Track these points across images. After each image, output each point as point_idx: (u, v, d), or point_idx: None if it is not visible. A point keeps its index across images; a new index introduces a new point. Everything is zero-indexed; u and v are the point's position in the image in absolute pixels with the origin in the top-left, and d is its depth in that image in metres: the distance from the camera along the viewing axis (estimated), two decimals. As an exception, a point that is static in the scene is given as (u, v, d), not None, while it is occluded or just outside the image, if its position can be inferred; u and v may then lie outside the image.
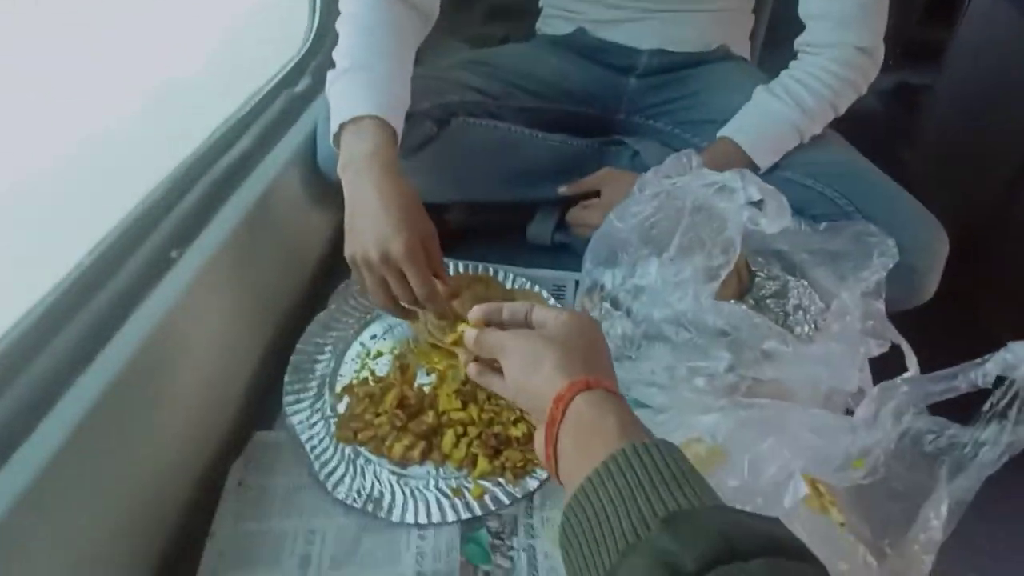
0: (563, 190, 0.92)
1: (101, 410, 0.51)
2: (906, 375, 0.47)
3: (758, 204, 0.59)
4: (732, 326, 0.57)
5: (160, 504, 0.62)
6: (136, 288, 0.61)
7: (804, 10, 0.86)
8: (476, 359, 0.52)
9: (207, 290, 0.66)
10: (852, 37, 0.82)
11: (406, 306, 0.69)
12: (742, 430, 0.50)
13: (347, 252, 0.66)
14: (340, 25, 0.77)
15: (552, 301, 0.87)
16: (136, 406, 0.57)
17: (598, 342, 0.46)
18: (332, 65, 0.75)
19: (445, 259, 0.92)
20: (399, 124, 0.70)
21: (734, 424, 0.51)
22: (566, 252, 0.96)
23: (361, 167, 0.65)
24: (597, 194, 0.90)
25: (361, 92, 0.69)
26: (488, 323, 0.52)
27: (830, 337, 0.59)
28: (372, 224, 0.63)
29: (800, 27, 0.88)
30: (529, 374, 0.43)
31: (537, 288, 0.88)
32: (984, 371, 0.42)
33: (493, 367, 0.51)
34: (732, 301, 0.63)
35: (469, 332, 0.51)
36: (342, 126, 0.69)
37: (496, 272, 0.91)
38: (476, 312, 0.52)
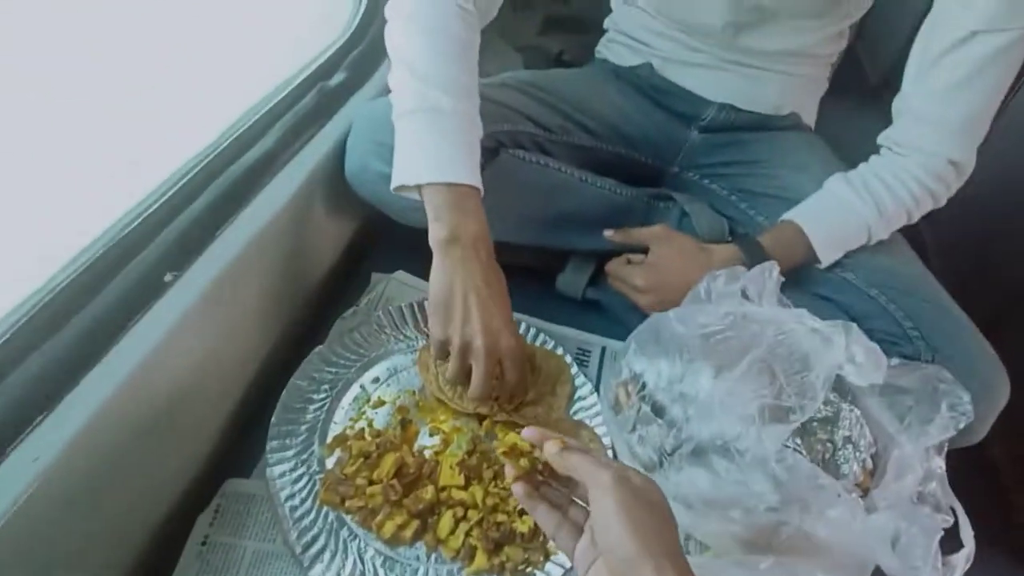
0: (609, 234, 0.84)
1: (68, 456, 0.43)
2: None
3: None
4: (793, 479, 0.51)
5: (117, 552, 0.54)
6: (121, 314, 0.52)
7: (903, 105, 0.78)
8: (528, 480, 0.48)
9: (200, 319, 0.57)
10: (949, 149, 0.75)
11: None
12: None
13: (441, 333, 0.63)
14: (396, 22, 0.68)
15: (575, 369, 0.79)
16: (99, 458, 0.48)
17: (676, 527, 0.42)
18: (378, 58, 0.66)
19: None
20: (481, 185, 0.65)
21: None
22: (595, 311, 0.88)
23: (469, 250, 0.62)
24: (645, 251, 0.82)
25: (457, 147, 0.64)
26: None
27: (892, 502, 0.54)
28: (482, 314, 0.61)
29: (852, 80, 0.80)
30: (638, 544, 0.39)
31: (560, 350, 0.81)
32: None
33: (539, 488, 0.47)
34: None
35: (551, 447, 0.45)
36: (447, 185, 0.62)
37: (518, 323, 0.83)
38: (532, 435, 0.47)
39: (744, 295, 0.57)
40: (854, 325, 0.51)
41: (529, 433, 0.47)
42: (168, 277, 0.56)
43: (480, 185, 0.63)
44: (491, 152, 0.77)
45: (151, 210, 0.58)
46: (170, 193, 0.60)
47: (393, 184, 0.64)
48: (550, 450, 0.45)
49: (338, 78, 0.81)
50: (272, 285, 0.70)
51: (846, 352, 0.48)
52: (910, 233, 0.84)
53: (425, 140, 0.63)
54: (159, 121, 0.67)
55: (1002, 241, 1.38)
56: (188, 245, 0.59)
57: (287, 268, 0.71)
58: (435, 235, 0.62)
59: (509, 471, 0.48)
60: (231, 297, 0.61)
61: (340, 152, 0.75)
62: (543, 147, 0.84)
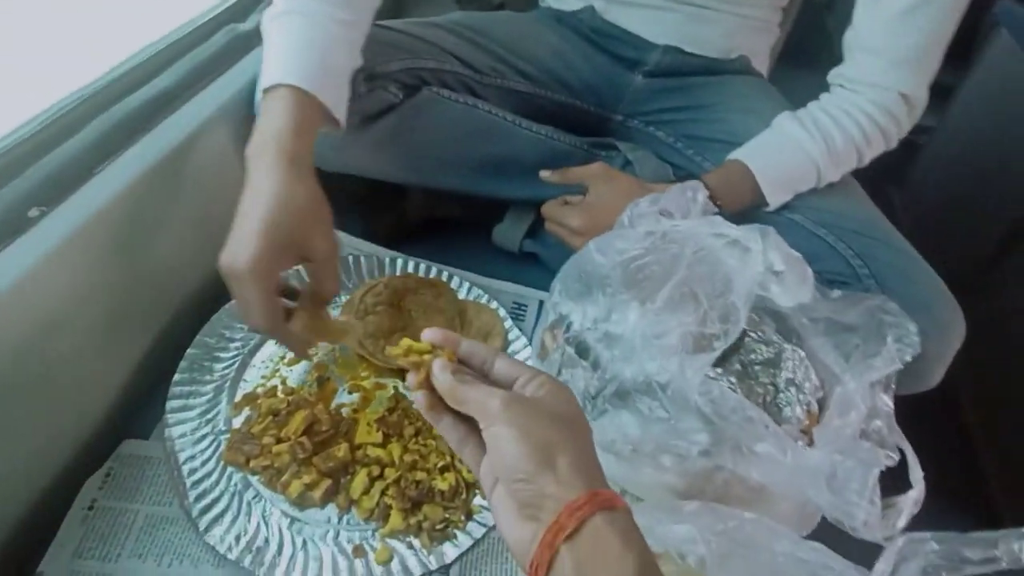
0: (546, 175, 0.79)
1: None
2: (934, 534, 0.37)
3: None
4: (719, 415, 0.46)
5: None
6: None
7: (852, 40, 0.74)
8: (430, 387, 0.41)
9: (73, 260, 0.52)
10: (899, 81, 0.71)
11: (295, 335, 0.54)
12: (722, 559, 0.40)
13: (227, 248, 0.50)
14: None
15: (509, 323, 0.74)
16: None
17: (589, 431, 0.38)
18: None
19: (396, 254, 0.79)
20: (334, 95, 0.56)
21: (711, 544, 0.41)
22: (534, 265, 0.84)
23: (265, 155, 0.50)
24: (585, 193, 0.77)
25: (291, 49, 0.55)
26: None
27: (831, 439, 0.49)
28: (239, 228, 0.49)
29: (822, 51, 0.76)
30: (535, 461, 0.35)
31: (495, 304, 0.76)
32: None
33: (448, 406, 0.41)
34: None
35: (440, 367, 0.40)
36: (265, 92, 0.54)
37: (451, 278, 0.78)
38: (434, 335, 0.42)
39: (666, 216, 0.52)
40: (771, 229, 0.47)
41: (430, 335, 0.42)
42: (34, 212, 0.50)
43: (308, 85, 0.53)
44: (412, 88, 0.72)
45: (20, 140, 0.52)
46: (45, 124, 0.55)
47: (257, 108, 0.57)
48: (442, 381, 0.40)
49: (252, 21, 0.75)
50: (175, 233, 0.65)
51: (764, 259, 0.44)
52: (880, 198, 0.80)
53: (267, 53, 0.56)
54: (52, 50, 0.62)
55: (973, 199, 1.35)
56: (61, 180, 0.53)
57: (190, 216, 0.66)
58: (247, 150, 0.52)
59: (411, 378, 0.42)
60: (115, 240, 0.56)
61: (250, 95, 0.70)
62: (473, 89, 0.79)
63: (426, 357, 0.41)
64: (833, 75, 0.77)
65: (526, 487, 0.35)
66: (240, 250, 0.48)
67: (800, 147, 0.74)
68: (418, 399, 0.42)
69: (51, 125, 0.55)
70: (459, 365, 0.41)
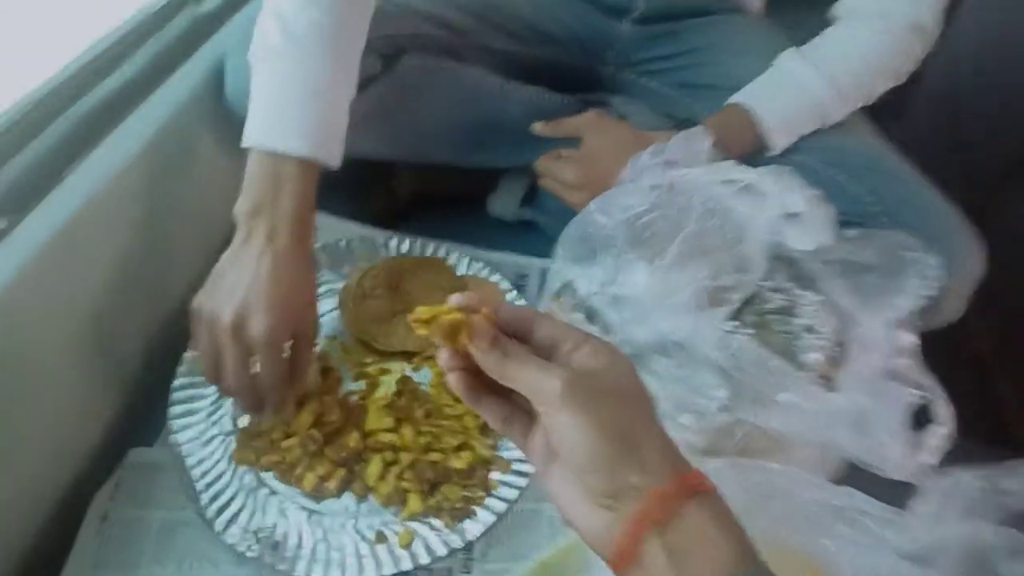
0: (538, 127, 0.75)
1: None
2: (974, 470, 0.35)
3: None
4: (739, 368, 0.44)
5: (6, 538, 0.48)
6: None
7: None
8: (466, 364, 0.35)
9: (53, 268, 0.50)
10: (909, 8, 0.67)
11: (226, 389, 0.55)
12: (753, 514, 0.38)
13: (198, 300, 0.53)
14: None
15: (512, 295, 0.72)
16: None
17: (653, 403, 0.34)
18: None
19: (390, 233, 0.77)
20: (338, 150, 0.56)
21: (739, 501, 0.39)
22: (533, 233, 0.81)
23: (262, 233, 0.52)
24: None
25: (294, 105, 0.53)
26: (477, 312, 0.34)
27: (855, 382, 0.47)
28: (247, 291, 0.51)
29: None
30: (613, 453, 0.31)
31: (496, 278, 0.74)
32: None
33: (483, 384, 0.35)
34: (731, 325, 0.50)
35: (482, 337, 0.33)
36: (267, 153, 0.53)
37: (448, 253, 0.75)
38: (469, 298, 0.34)
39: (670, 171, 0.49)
40: (787, 170, 0.44)
41: (460, 299, 0.34)
42: (1, 223, 0.48)
43: (314, 152, 0.53)
44: (390, 59, 0.68)
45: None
46: (4, 129, 0.52)
47: (229, 88, 0.57)
48: (488, 358, 0.33)
49: (211, 2, 0.72)
50: (156, 231, 0.62)
51: (781, 203, 0.41)
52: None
53: (258, 92, 0.54)
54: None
55: (974, 129, 1.31)
56: (28, 187, 0.51)
57: (170, 212, 0.64)
58: (238, 207, 0.53)
59: (443, 355, 0.35)
60: (92, 245, 0.54)
61: (218, 79, 0.67)
62: (454, 53, 0.75)
63: (454, 317, 0.33)
64: (838, 7, 0.73)
65: (605, 478, 0.31)
66: (256, 313, 0.50)
67: (804, 87, 0.70)
68: (451, 380, 0.35)
69: (11, 129, 0.52)
70: (499, 332, 0.34)
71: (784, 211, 0.42)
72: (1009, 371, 1.08)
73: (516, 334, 0.34)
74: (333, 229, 0.76)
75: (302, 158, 0.52)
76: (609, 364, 0.33)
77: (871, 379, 0.49)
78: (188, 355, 0.63)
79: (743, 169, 0.44)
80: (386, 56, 0.68)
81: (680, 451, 0.33)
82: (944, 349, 0.60)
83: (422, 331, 0.34)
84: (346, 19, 0.56)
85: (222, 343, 0.51)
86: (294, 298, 0.53)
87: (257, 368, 0.52)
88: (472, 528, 0.56)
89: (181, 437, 0.58)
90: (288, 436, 0.58)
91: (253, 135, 0.53)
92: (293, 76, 0.53)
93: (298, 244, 0.53)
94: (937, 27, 0.69)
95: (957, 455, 0.48)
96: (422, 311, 0.33)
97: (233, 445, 0.59)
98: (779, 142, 0.71)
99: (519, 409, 0.36)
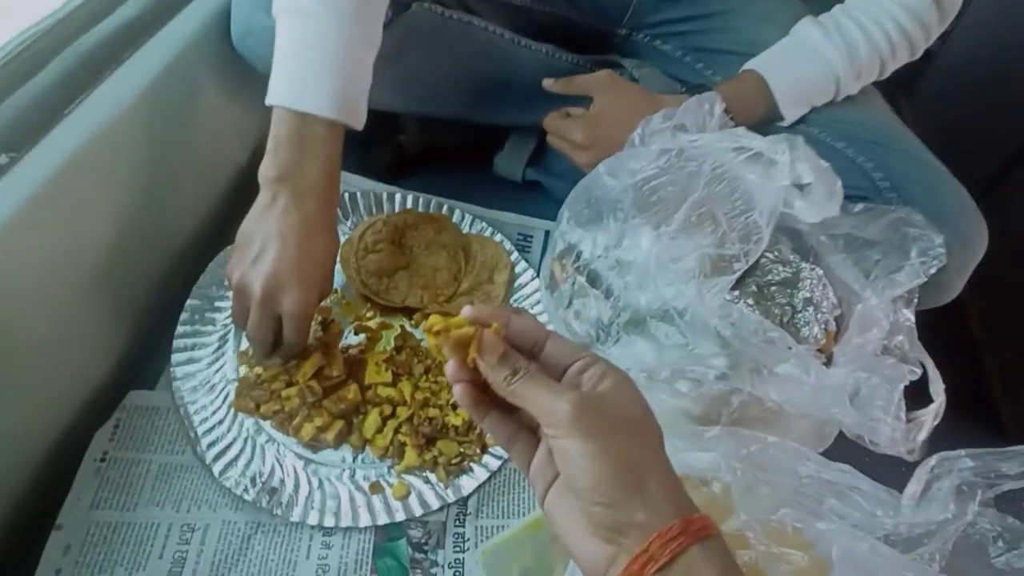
0: (549, 83, 0.73)
1: None
2: (968, 451, 0.35)
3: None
4: (740, 337, 0.44)
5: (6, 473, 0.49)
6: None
7: None
8: (473, 377, 0.34)
9: (55, 206, 0.49)
10: None
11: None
12: (748, 487, 0.39)
13: (231, 269, 0.55)
14: None
15: (515, 255, 0.72)
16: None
17: (661, 435, 0.33)
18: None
19: (395, 188, 0.76)
20: (360, 115, 0.56)
21: (736, 472, 0.40)
22: (539, 193, 0.80)
23: (292, 198, 0.53)
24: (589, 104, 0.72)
25: (324, 66, 0.52)
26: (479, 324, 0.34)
27: (853, 357, 0.48)
28: (277, 262, 0.52)
29: None
30: (620, 485, 0.30)
31: (499, 237, 0.73)
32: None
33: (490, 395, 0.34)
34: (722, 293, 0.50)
35: (490, 352, 0.33)
36: (298, 112, 0.52)
37: (452, 211, 0.75)
38: (478, 312, 0.34)
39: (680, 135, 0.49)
40: (800, 139, 0.43)
41: (471, 312, 0.34)
42: (2, 159, 0.47)
43: (346, 118, 0.53)
44: (402, 5, 0.66)
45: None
46: (4, 62, 0.50)
47: (235, 28, 0.57)
48: (497, 375, 0.33)
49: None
50: (158, 174, 0.61)
51: (791, 172, 0.41)
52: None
53: (285, 50, 0.53)
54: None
55: (985, 110, 1.29)
56: (29, 123, 0.50)
57: (172, 155, 0.63)
58: (263, 170, 0.53)
59: (450, 366, 0.34)
60: (94, 185, 0.53)
61: (224, 21, 0.65)
62: (465, 4, 0.73)
63: (464, 330, 0.33)
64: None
65: (609, 512, 0.30)
66: (289, 288, 0.52)
67: (821, 57, 0.69)
68: (457, 392, 0.35)
69: (11, 62, 0.51)
70: (509, 348, 0.33)
71: (793, 181, 0.41)
72: (999, 356, 1.09)
73: (525, 349, 0.34)
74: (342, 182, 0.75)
75: (330, 120, 0.52)
76: (619, 389, 0.32)
77: (868, 355, 0.49)
78: (190, 302, 0.63)
79: (754, 136, 0.44)
80: (398, 3, 0.66)
81: (684, 489, 0.32)
82: (939, 332, 0.60)
83: (433, 341, 0.33)
84: None
85: (254, 311, 0.53)
86: (321, 268, 0.55)
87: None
88: (467, 484, 0.57)
89: (183, 385, 0.59)
90: (288, 386, 0.59)
91: (280, 94, 0.52)
92: (323, 36, 0.52)
93: (324, 209, 0.54)
94: (955, 6, 0.68)
95: (950, 437, 0.48)
96: (434, 322, 0.33)
97: (231, 395, 0.59)
98: (791, 112, 0.70)
99: (524, 427, 0.35)
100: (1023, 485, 0.34)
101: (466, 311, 0.34)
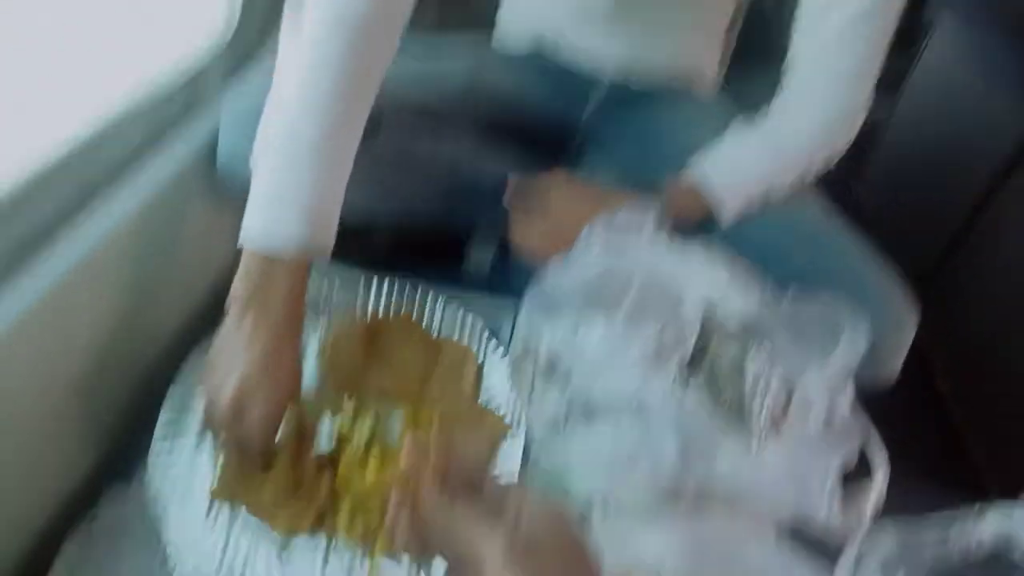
0: (509, 200, 0.80)
1: None
2: (893, 523, 0.39)
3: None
4: (685, 424, 0.48)
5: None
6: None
7: (794, 57, 0.77)
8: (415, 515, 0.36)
9: (43, 328, 0.53)
10: (842, 99, 0.75)
11: None
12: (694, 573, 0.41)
13: (204, 384, 0.58)
14: (290, 43, 0.62)
15: (489, 343, 0.76)
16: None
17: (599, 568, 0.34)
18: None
19: (370, 276, 0.80)
20: (327, 241, 0.60)
21: (686, 556, 0.42)
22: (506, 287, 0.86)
23: (261, 322, 0.57)
24: None
25: (293, 209, 0.56)
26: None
27: (792, 440, 0.51)
28: (242, 380, 0.56)
29: (775, 47, 0.79)
30: None
31: (469, 328, 0.77)
32: (979, 533, 0.35)
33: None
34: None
35: (429, 494, 0.35)
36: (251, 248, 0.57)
37: (426, 295, 0.79)
38: (412, 457, 0.36)
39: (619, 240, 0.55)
40: (714, 245, 0.49)
41: (411, 454, 0.36)
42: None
43: (310, 250, 0.57)
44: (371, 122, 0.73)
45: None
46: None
47: (221, 153, 0.62)
48: (434, 513, 0.35)
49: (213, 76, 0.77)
50: (144, 294, 0.66)
51: (711, 274, 0.46)
52: (842, 192, 0.83)
53: (255, 191, 0.58)
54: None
55: (932, 181, 1.39)
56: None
57: (160, 276, 0.68)
58: (233, 291, 0.57)
59: (392, 506, 0.37)
60: (78, 311, 0.58)
61: (212, 150, 0.72)
62: (432, 125, 0.81)
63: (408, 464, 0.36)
64: (776, 103, 0.79)
65: None
66: (245, 411, 0.56)
67: (752, 158, 0.77)
68: (399, 532, 0.37)
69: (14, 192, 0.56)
70: (448, 487, 0.36)
71: (715, 280, 0.47)
72: (967, 410, 1.12)
73: (466, 487, 0.36)
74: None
75: (292, 258, 0.56)
76: (555, 525, 0.34)
77: (809, 435, 0.53)
78: (173, 388, 0.66)
79: (674, 246, 0.50)
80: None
81: None
82: (906, 389, 0.64)
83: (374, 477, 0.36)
84: (349, 116, 0.60)
85: (222, 425, 0.57)
86: (283, 386, 0.58)
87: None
88: (439, 564, 0.58)
89: (159, 479, 0.61)
90: (265, 474, 0.61)
91: (248, 237, 0.57)
92: (289, 180, 0.57)
93: (286, 335, 0.58)
94: (868, 104, 0.76)
95: (923, 497, 0.51)
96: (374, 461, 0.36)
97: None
98: (728, 212, 0.76)
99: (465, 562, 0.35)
100: (943, 551, 0.37)
101: (407, 454, 0.37)
